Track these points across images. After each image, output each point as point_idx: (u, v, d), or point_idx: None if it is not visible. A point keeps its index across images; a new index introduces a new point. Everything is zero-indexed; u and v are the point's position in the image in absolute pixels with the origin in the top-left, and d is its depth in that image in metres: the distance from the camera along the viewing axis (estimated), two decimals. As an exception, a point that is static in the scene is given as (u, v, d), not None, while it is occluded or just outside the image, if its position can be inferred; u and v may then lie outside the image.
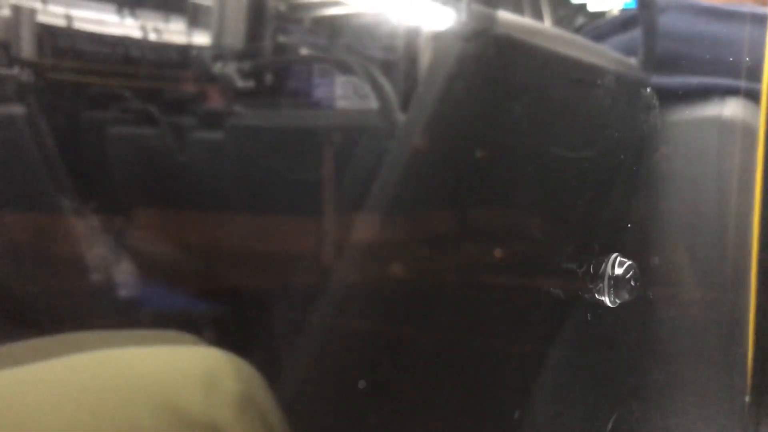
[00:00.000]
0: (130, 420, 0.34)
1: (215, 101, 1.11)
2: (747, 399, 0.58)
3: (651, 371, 0.59)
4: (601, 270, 0.53)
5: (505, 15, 0.50)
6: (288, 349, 0.54)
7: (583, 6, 1.17)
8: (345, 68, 1.10)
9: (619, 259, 0.53)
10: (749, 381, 0.58)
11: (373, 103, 0.97)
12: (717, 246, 0.59)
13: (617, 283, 0.53)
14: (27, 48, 1.04)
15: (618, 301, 0.53)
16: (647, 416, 0.59)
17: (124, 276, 0.89)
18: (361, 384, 0.50)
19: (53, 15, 1.16)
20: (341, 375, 0.52)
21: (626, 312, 0.55)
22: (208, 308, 0.87)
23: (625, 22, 0.67)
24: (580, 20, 1.12)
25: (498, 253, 0.52)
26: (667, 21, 0.63)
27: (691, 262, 0.60)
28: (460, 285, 0.51)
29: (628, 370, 0.60)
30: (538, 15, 1.09)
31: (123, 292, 0.90)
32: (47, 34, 1.09)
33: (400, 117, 0.88)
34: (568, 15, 1.17)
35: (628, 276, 0.53)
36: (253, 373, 0.39)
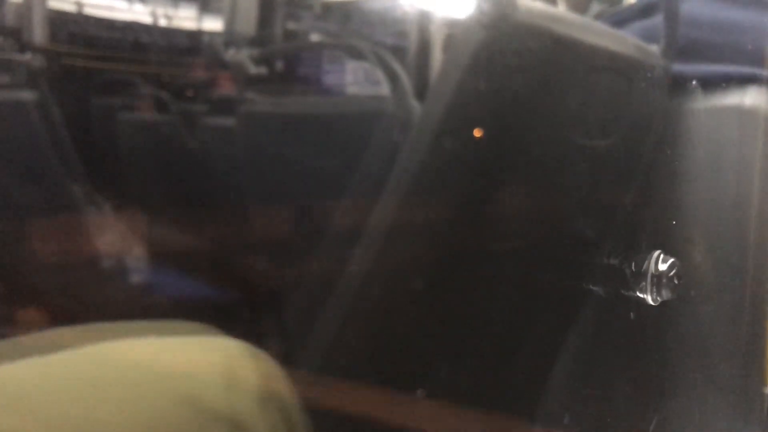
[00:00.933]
0: (151, 412, 0.34)
1: (227, 88, 1.11)
2: (766, 390, 0.57)
3: (677, 367, 0.59)
4: (644, 267, 0.52)
5: (524, 1, 0.49)
6: (303, 338, 0.54)
7: (598, -9, 1.15)
8: (357, 54, 1.09)
9: (662, 256, 0.52)
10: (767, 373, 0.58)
11: (385, 89, 0.96)
12: (737, 236, 0.58)
13: (660, 280, 0.52)
14: (38, 34, 1.04)
15: (660, 299, 0.52)
16: (677, 413, 0.59)
17: (137, 262, 0.90)
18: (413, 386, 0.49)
19: (64, 1, 1.16)
20: (358, 366, 0.52)
21: (649, 308, 0.54)
22: (220, 296, 0.87)
23: (645, 8, 0.66)
24: (595, 6, 1.11)
25: (521, 246, 0.51)
26: (689, 8, 0.62)
27: (711, 252, 0.59)
28: (484, 278, 0.51)
29: (658, 367, 0.60)
30: (552, 2, 1.07)
31: (135, 278, 0.90)
32: (58, 20, 1.08)
33: (414, 103, 0.88)
34: (584, 1, 1.15)
35: (672, 273, 0.52)
36: (273, 365, 0.39)
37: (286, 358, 0.42)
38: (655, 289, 0.52)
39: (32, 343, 0.39)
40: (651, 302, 0.52)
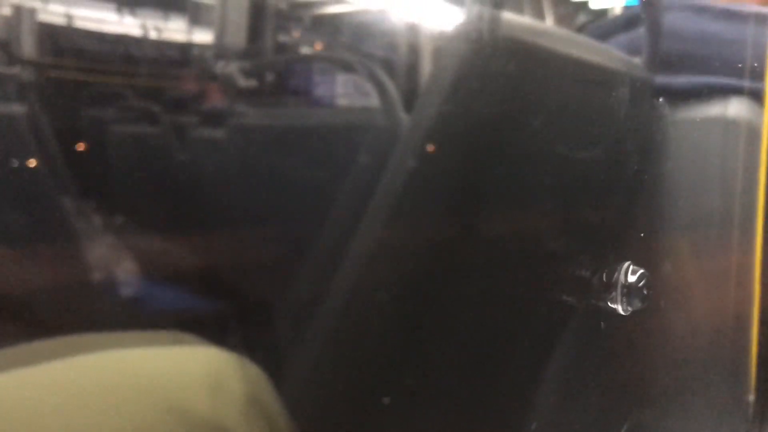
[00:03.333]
0: (136, 422, 0.34)
1: (217, 100, 1.11)
2: (751, 398, 0.58)
3: (658, 375, 0.59)
4: (613, 278, 0.53)
5: (509, 16, 0.50)
6: (291, 349, 0.54)
7: (584, 4, 1.17)
8: (347, 66, 1.10)
9: (631, 267, 0.53)
10: (753, 381, 0.58)
11: (374, 102, 0.97)
12: (721, 245, 0.59)
13: (630, 291, 0.53)
14: (27, 47, 1.04)
15: (630, 309, 0.53)
16: (655, 419, 0.59)
17: (126, 275, 0.89)
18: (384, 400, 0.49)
19: (54, 14, 1.16)
20: (345, 376, 0.52)
21: (632, 315, 0.55)
22: (210, 307, 0.86)
23: (628, 21, 0.67)
24: (581, 18, 1.12)
25: (506, 258, 0.52)
26: (671, 20, 0.63)
27: (695, 262, 0.60)
28: (467, 290, 0.51)
29: (636, 375, 0.60)
30: (539, 13, 1.08)
31: (125, 292, 0.90)
32: (48, 33, 1.09)
33: (403, 115, 0.88)
34: (570, 13, 1.17)
35: (641, 284, 0.53)
36: (258, 373, 0.39)
37: (274, 370, 0.42)
38: (625, 300, 0.53)
39: (17, 354, 0.39)
40: (622, 312, 0.53)
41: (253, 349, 0.42)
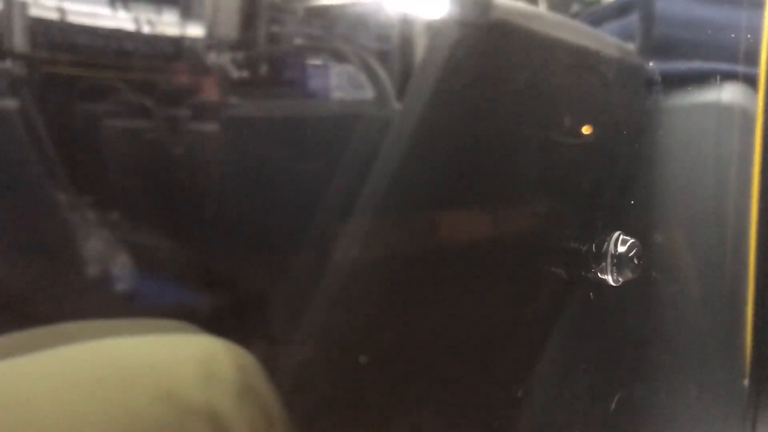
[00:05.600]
0: (128, 409, 0.34)
1: (209, 92, 1.11)
2: (746, 382, 0.58)
3: (652, 352, 0.59)
4: (603, 248, 0.53)
5: (501, 0, 0.50)
6: (284, 337, 0.54)
7: (578, -7, 1.16)
8: (340, 58, 1.09)
9: (621, 237, 0.53)
10: (748, 365, 0.58)
11: (368, 93, 0.96)
12: (715, 230, 0.59)
13: (620, 261, 0.53)
14: (19, 41, 1.03)
15: (621, 280, 0.53)
16: (649, 397, 0.59)
17: (120, 269, 0.89)
18: (362, 360, 0.49)
19: (45, 8, 1.15)
20: (339, 364, 0.52)
21: (626, 293, 0.55)
22: (203, 299, 0.86)
23: (621, 7, 0.67)
24: (575, 7, 1.12)
25: (499, 235, 0.51)
26: (664, 6, 0.62)
27: (689, 247, 0.59)
28: (462, 268, 0.51)
29: (629, 350, 0.60)
30: (532, 1, 1.08)
31: (119, 286, 0.90)
32: (39, 27, 1.08)
33: (397, 106, 0.88)
34: (564, 1, 1.17)
35: (631, 254, 0.53)
36: (251, 360, 0.39)
37: (267, 358, 0.42)
38: (615, 270, 0.53)
39: (8, 343, 0.39)
40: (612, 283, 0.53)
41: (246, 338, 0.42)
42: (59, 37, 1.17)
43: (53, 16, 1.18)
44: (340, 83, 1.17)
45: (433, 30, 0.53)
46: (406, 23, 1.27)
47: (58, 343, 0.36)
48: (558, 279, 0.55)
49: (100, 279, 0.88)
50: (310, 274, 0.61)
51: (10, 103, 0.92)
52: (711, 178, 0.61)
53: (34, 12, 1.11)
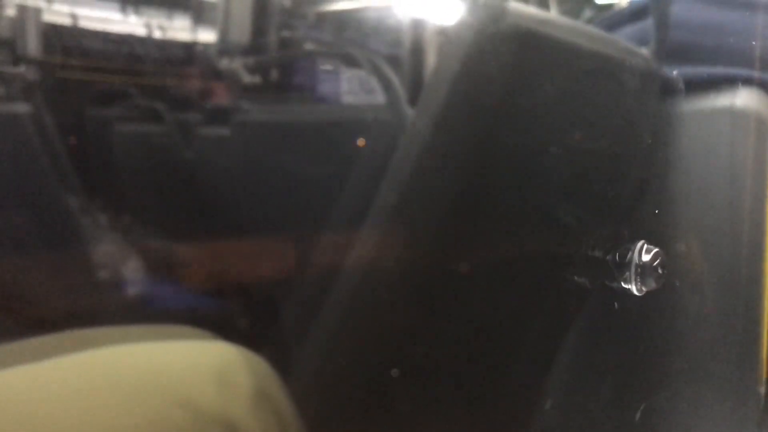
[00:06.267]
0: (144, 416, 0.34)
1: (221, 97, 1.11)
2: (762, 390, 0.57)
3: (668, 360, 0.59)
4: (627, 258, 0.53)
5: (515, 5, 0.50)
6: (298, 344, 0.54)
7: (589, -1, 1.16)
8: (352, 62, 1.10)
9: (645, 246, 0.53)
10: (764, 372, 0.58)
11: (379, 98, 0.97)
12: (730, 238, 0.59)
13: (644, 270, 0.52)
14: (33, 46, 1.04)
15: (644, 290, 0.52)
16: (669, 403, 0.59)
17: (132, 273, 0.89)
18: (394, 373, 0.49)
19: (58, 14, 1.16)
20: (352, 370, 0.52)
21: (641, 301, 0.54)
22: (216, 305, 0.86)
23: (636, 11, 0.67)
24: (587, 13, 1.12)
25: (514, 243, 0.51)
26: (679, 10, 0.62)
27: (704, 254, 0.59)
28: (479, 276, 0.51)
29: (650, 360, 0.60)
30: (544, 7, 1.08)
31: (131, 290, 0.90)
32: (53, 33, 1.09)
33: (408, 111, 0.88)
34: (575, 7, 1.16)
35: (656, 263, 0.52)
36: (266, 367, 0.39)
37: (281, 365, 0.42)
38: (639, 279, 0.53)
39: (26, 349, 0.39)
40: (636, 292, 0.53)
41: (261, 344, 0.42)
42: (72, 42, 1.17)
43: (66, 21, 1.18)
44: (351, 88, 1.18)
45: (447, 35, 0.52)
46: (417, 28, 1.27)
47: (75, 349, 0.36)
48: (578, 287, 0.55)
49: (111, 282, 0.88)
50: (322, 279, 0.61)
51: (23, 108, 0.92)
52: (725, 185, 0.61)
53: (48, 18, 1.12)
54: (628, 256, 0.53)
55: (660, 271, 0.53)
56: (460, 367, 0.55)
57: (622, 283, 0.54)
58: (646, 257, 0.53)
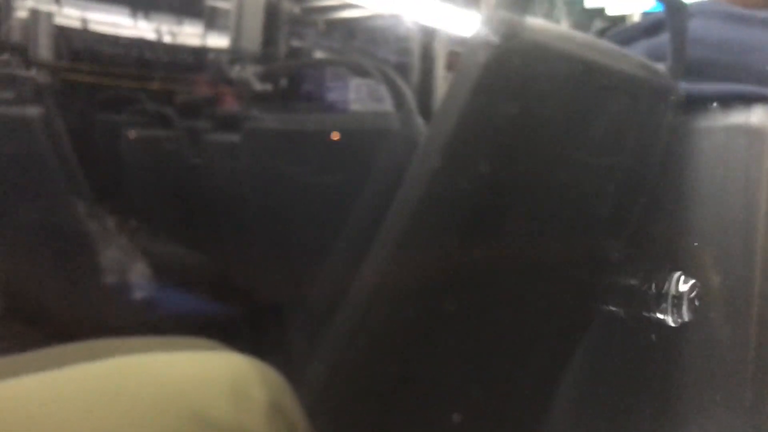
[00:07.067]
0: (158, 427, 0.34)
1: (231, 104, 1.11)
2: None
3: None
4: (665, 288, 0.52)
5: (532, 20, 0.49)
6: (310, 355, 0.53)
7: (601, 10, 1.16)
8: (362, 71, 1.10)
9: (683, 277, 0.52)
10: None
11: (389, 106, 0.97)
12: (745, 255, 0.58)
13: (681, 301, 0.52)
14: (44, 50, 1.04)
15: (680, 321, 0.52)
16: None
17: (139, 278, 0.89)
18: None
19: (69, 18, 1.17)
20: (365, 381, 0.52)
21: (660, 329, 0.54)
22: (224, 311, 0.86)
23: (652, 27, 0.66)
24: (597, 24, 1.12)
25: (529, 266, 0.51)
26: (695, 26, 0.62)
27: (719, 271, 0.59)
28: (492, 288, 0.51)
29: (681, 386, 0.59)
30: (554, 18, 1.08)
31: (138, 295, 0.90)
32: (64, 37, 1.09)
33: (419, 119, 0.88)
34: (586, 18, 1.16)
35: (693, 295, 0.52)
36: (280, 379, 0.39)
37: (292, 374, 0.42)
38: (675, 311, 0.52)
39: (39, 359, 0.39)
40: (671, 323, 0.52)
41: (274, 355, 0.42)
42: (82, 46, 1.17)
43: (77, 26, 1.18)
44: (359, 96, 1.18)
45: (458, 47, 0.52)
46: (425, 38, 1.28)
47: (88, 359, 0.36)
48: (588, 310, 0.54)
49: (118, 286, 0.88)
50: (334, 290, 0.60)
51: (34, 110, 0.92)
52: (740, 201, 0.61)
53: (59, 22, 1.12)
54: (665, 286, 0.52)
55: (697, 303, 0.52)
56: (471, 379, 0.54)
57: (659, 314, 0.53)
58: (683, 288, 0.53)
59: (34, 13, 1.12)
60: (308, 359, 0.54)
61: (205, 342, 0.41)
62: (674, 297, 0.53)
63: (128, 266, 0.92)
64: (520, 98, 0.49)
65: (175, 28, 1.31)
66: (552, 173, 0.51)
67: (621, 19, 0.97)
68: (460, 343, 0.53)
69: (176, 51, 1.18)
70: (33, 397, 0.34)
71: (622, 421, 0.63)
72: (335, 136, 0.86)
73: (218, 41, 1.28)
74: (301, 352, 0.67)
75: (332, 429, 0.49)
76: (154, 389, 0.35)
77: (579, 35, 0.55)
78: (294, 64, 1.15)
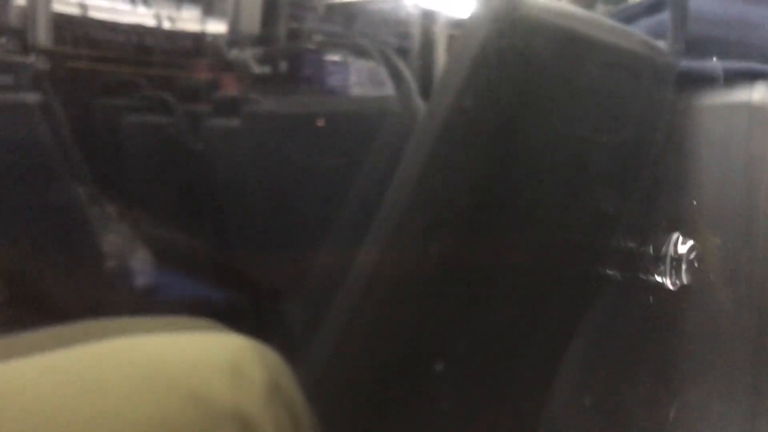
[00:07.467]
0: (156, 408, 0.34)
1: (230, 88, 1.11)
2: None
3: (704, 353, 0.57)
4: (663, 250, 0.51)
5: (531, -4, 0.49)
6: (309, 337, 0.53)
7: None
8: (362, 53, 1.09)
9: (681, 237, 0.51)
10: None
11: (389, 89, 0.96)
12: (746, 231, 0.58)
13: (680, 264, 0.51)
14: (42, 36, 1.04)
15: (679, 284, 0.51)
16: (703, 400, 0.58)
17: (140, 264, 0.89)
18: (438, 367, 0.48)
19: (68, 3, 1.16)
20: (364, 362, 0.52)
21: (661, 295, 0.53)
22: (224, 296, 0.86)
23: (653, 4, 0.66)
24: (600, 7, 1.10)
25: (536, 231, 0.50)
26: (696, 4, 0.61)
27: (718, 246, 0.58)
28: (497, 265, 0.50)
29: (683, 352, 0.58)
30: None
31: (139, 280, 0.90)
32: (62, 23, 1.09)
33: (419, 102, 0.87)
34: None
35: (692, 256, 0.51)
36: (278, 360, 0.39)
37: (293, 357, 0.42)
38: (674, 273, 0.51)
39: (36, 339, 0.39)
40: (670, 286, 0.51)
41: (272, 336, 0.42)
42: (81, 33, 1.17)
43: (75, 11, 1.18)
44: (360, 79, 1.17)
45: (457, 32, 0.52)
46: (429, 21, 1.26)
47: (86, 340, 0.36)
48: (597, 278, 0.53)
49: (119, 272, 0.88)
50: (333, 272, 0.60)
51: (33, 97, 0.92)
52: (741, 179, 0.60)
53: (57, 7, 1.11)
54: (663, 248, 0.52)
55: (696, 264, 0.52)
56: (473, 357, 0.54)
57: (657, 277, 0.52)
58: (682, 249, 0.52)
59: (32, 0, 1.11)
60: (308, 342, 0.54)
61: (203, 322, 0.41)
62: (673, 259, 0.52)
63: (129, 252, 0.92)
64: (520, 75, 0.49)
65: (174, 13, 1.30)
66: (551, 150, 0.51)
67: (623, 1, 0.95)
68: (463, 323, 0.53)
69: (175, 36, 1.18)
70: (29, 378, 0.34)
71: (621, 385, 0.63)
72: (320, 122, 0.86)
73: (218, 25, 1.27)
74: (301, 335, 0.66)
75: (331, 410, 0.49)
76: (151, 369, 0.35)
77: (578, 12, 0.54)
78: (293, 48, 1.14)
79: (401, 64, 0.93)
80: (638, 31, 0.62)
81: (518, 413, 0.62)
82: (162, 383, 0.34)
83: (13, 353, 0.35)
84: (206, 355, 0.36)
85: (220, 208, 0.95)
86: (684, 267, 0.51)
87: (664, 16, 0.60)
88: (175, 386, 0.34)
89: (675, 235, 0.52)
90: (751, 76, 0.61)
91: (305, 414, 0.38)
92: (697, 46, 0.61)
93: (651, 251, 0.52)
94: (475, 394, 0.58)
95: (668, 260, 0.52)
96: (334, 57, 1.20)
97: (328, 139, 0.90)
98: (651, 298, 0.55)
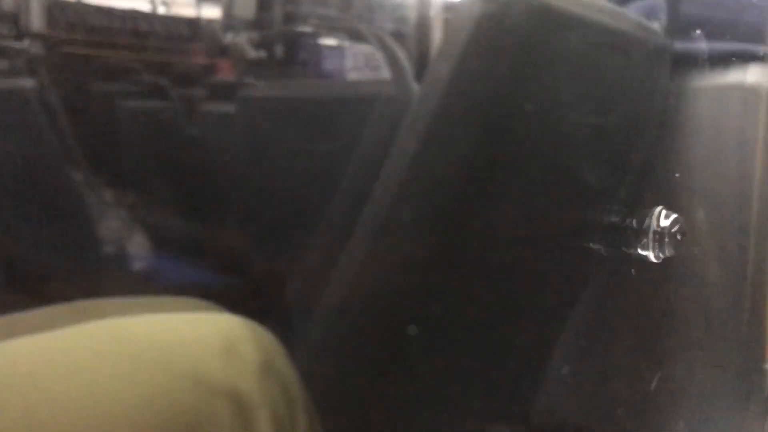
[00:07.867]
0: (151, 386, 0.34)
1: (226, 73, 1.10)
2: (767, 366, 0.57)
3: (689, 326, 0.58)
4: (646, 223, 0.51)
5: (524, -24, 0.49)
6: (304, 316, 0.54)
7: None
8: (358, 37, 1.09)
9: (664, 211, 0.52)
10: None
11: (385, 73, 0.96)
12: (739, 214, 0.58)
13: (663, 237, 0.51)
14: (37, 21, 1.03)
15: (662, 257, 0.51)
16: (686, 372, 0.58)
17: (137, 248, 0.90)
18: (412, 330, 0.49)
19: (61, -13, 1.15)
20: (358, 342, 0.52)
21: (649, 272, 0.54)
22: (220, 278, 0.86)
23: (646, -15, 0.66)
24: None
25: (529, 208, 0.50)
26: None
27: (713, 225, 0.58)
28: (491, 242, 0.51)
29: (667, 324, 0.59)
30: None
31: (136, 265, 0.90)
32: (57, 7, 1.08)
33: (415, 86, 0.87)
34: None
35: (675, 230, 0.51)
36: (272, 339, 0.39)
37: (286, 337, 0.42)
38: (657, 246, 0.51)
39: (32, 319, 0.39)
40: (653, 259, 0.52)
41: (267, 317, 0.42)
42: (76, 17, 1.16)
43: (69, -5, 1.17)
44: (356, 63, 1.17)
45: (457, 7, 0.52)
46: (421, 5, 1.26)
47: (80, 320, 0.36)
48: (594, 255, 0.53)
49: (116, 257, 0.88)
50: (328, 253, 0.60)
51: (28, 83, 0.92)
52: (735, 161, 0.60)
53: (51, -8, 1.11)
54: (647, 221, 0.52)
55: (679, 237, 0.52)
56: (469, 336, 0.55)
57: (640, 250, 0.53)
58: (665, 222, 0.52)
59: (26, -17, 1.10)
60: (303, 321, 0.54)
61: (198, 302, 0.42)
62: (656, 233, 0.52)
63: (126, 236, 0.92)
64: (513, 56, 0.49)
65: (169, -2, 1.29)
66: (544, 132, 0.51)
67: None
68: (459, 297, 0.53)
69: (170, 20, 1.17)
70: (23, 358, 0.34)
71: (602, 355, 0.63)
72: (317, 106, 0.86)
73: (213, 9, 1.26)
74: (296, 314, 0.67)
75: (325, 389, 0.49)
76: (146, 349, 0.36)
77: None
78: (289, 32, 1.14)
79: (397, 48, 0.93)
80: (632, 12, 0.62)
81: (515, 391, 0.62)
82: (156, 362, 0.34)
83: (8, 333, 0.35)
84: (200, 334, 0.37)
85: (216, 192, 0.96)
86: (667, 240, 0.51)
87: (658, -2, 0.60)
88: (170, 365, 0.34)
89: (658, 209, 0.52)
90: (744, 58, 0.61)
91: (299, 392, 0.39)
92: (691, 27, 0.61)
93: (635, 225, 0.52)
94: (469, 375, 0.58)
95: (651, 233, 0.52)
96: (330, 41, 1.19)
97: (324, 123, 0.90)
98: (633, 270, 0.56)
